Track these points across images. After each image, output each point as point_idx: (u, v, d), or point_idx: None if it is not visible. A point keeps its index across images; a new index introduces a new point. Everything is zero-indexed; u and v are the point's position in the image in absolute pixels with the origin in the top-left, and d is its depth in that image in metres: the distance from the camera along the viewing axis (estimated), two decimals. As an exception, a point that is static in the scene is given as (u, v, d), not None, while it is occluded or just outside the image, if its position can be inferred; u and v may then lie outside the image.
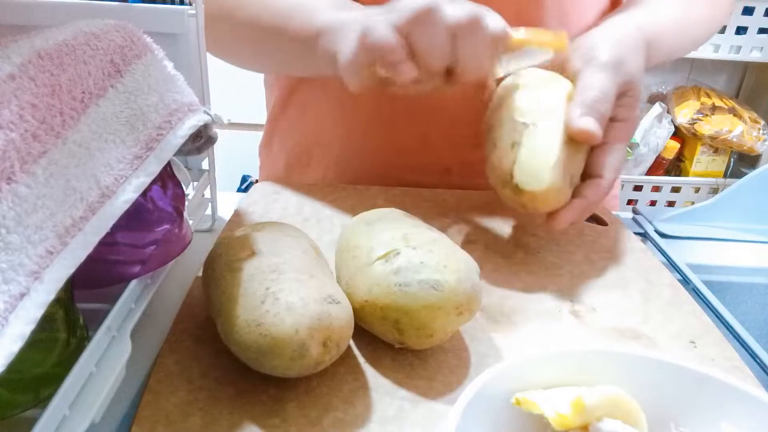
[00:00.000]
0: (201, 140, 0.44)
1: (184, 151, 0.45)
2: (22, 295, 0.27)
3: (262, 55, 0.63)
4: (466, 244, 0.54)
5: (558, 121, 0.47)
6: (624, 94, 0.49)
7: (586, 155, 0.49)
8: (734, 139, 1.66)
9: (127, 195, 0.33)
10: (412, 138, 0.66)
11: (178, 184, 0.42)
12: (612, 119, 0.49)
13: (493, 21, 0.44)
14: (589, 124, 0.46)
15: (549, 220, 0.48)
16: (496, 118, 0.50)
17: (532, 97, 0.49)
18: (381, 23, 0.44)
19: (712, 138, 1.68)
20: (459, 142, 0.64)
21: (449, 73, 0.45)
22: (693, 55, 1.56)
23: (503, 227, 0.58)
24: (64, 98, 0.33)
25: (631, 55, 0.50)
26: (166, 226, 0.39)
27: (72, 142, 0.32)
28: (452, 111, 0.63)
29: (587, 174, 0.49)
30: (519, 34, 0.46)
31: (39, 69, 0.33)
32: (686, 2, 0.64)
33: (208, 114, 0.41)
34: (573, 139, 0.47)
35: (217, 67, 0.58)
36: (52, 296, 0.28)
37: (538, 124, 0.47)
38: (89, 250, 0.30)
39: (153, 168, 0.36)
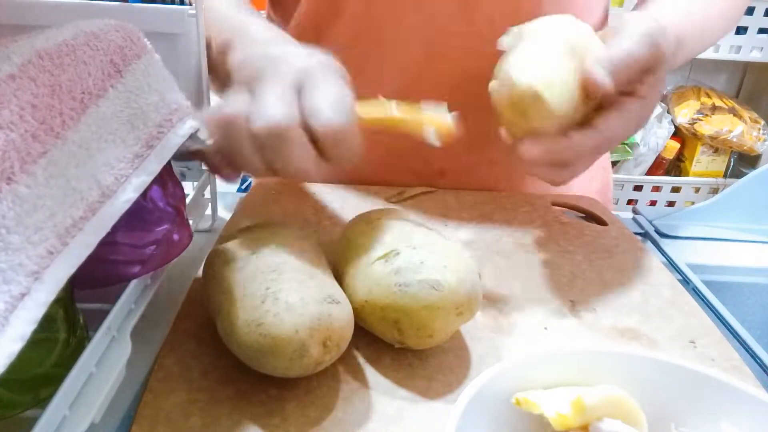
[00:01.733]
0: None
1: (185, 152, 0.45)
2: (23, 296, 0.27)
3: None
4: (466, 244, 0.54)
5: (558, 36, 0.44)
6: (651, 71, 0.45)
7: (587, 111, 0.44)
8: (734, 139, 1.66)
9: (128, 194, 0.33)
10: (404, 140, 0.66)
11: (178, 184, 0.42)
12: (631, 93, 0.45)
13: (321, 117, 0.38)
14: (601, 76, 0.42)
15: (524, 142, 0.43)
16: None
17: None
18: (208, 121, 0.41)
19: (712, 138, 1.68)
20: (452, 145, 0.64)
21: (276, 172, 0.41)
22: (693, 54, 1.56)
23: (503, 227, 0.58)
24: (64, 98, 0.33)
25: (663, 38, 0.46)
26: (166, 226, 0.39)
27: (72, 143, 0.32)
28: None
29: (584, 124, 0.44)
30: (368, 111, 0.41)
31: (39, 69, 0.33)
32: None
33: (197, 120, 0.41)
34: (579, 60, 0.43)
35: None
36: (53, 296, 0.28)
37: (530, 32, 0.44)
38: (90, 250, 0.30)
39: (154, 167, 0.36)
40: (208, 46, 0.51)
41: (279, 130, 0.38)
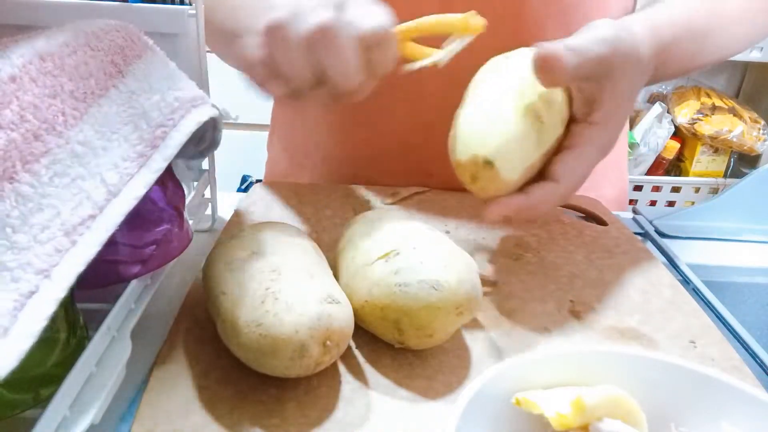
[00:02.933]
0: (204, 144, 0.44)
1: (188, 155, 0.45)
2: (32, 293, 0.27)
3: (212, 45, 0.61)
4: (466, 244, 0.54)
5: (513, 86, 0.42)
6: (603, 87, 0.43)
7: (549, 148, 0.43)
8: (734, 139, 1.66)
9: (135, 192, 0.34)
10: (392, 143, 0.67)
11: (177, 184, 0.42)
12: (583, 120, 0.44)
13: (365, 20, 0.39)
14: (555, 49, 0.40)
15: (486, 207, 0.43)
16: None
17: (497, 68, 0.45)
18: (247, 42, 0.41)
19: (712, 138, 1.68)
20: (438, 147, 0.65)
21: (322, 83, 0.41)
22: (693, 55, 1.56)
23: (503, 227, 0.58)
24: (66, 98, 0.33)
25: (632, 43, 0.44)
26: (166, 226, 0.39)
27: (75, 142, 0.32)
28: (429, 116, 0.63)
29: (543, 175, 0.44)
30: (410, 24, 0.42)
31: (40, 70, 0.33)
32: None
33: (216, 108, 0.41)
34: (533, 114, 0.41)
35: (217, 67, 0.58)
36: (63, 293, 0.28)
37: (487, 80, 0.43)
38: (99, 247, 0.30)
39: (158, 165, 0.36)
40: (217, 26, 0.52)
41: (330, 31, 0.38)
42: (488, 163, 0.40)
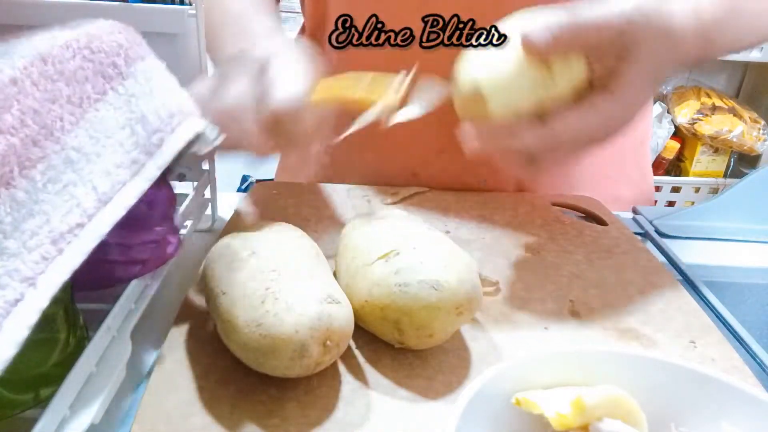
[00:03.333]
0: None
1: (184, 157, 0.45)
2: (17, 301, 0.27)
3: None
4: (466, 244, 0.54)
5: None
6: (621, 58, 0.41)
7: (551, 103, 0.42)
8: (734, 139, 1.67)
9: (125, 201, 0.33)
10: (381, 142, 0.67)
11: (168, 185, 0.42)
12: (599, 86, 0.42)
13: (274, 94, 0.42)
14: (536, 30, 0.39)
15: (469, 130, 0.43)
16: None
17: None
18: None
19: (712, 138, 1.68)
20: (422, 147, 0.65)
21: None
22: (693, 55, 1.56)
23: (503, 227, 0.58)
24: (64, 103, 0.33)
25: (658, 17, 0.41)
26: (161, 228, 0.39)
27: (70, 148, 0.32)
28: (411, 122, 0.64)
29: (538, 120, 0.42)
30: (337, 85, 0.43)
31: (41, 74, 0.33)
32: None
33: (204, 123, 0.41)
34: (544, 64, 0.40)
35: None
36: (47, 302, 0.27)
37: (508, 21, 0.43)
38: (85, 256, 0.30)
39: (152, 173, 0.36)
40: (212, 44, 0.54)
41: (228, 112, 0.42)
42: (478, 93, 0.40)
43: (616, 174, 0.71)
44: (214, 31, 0.56)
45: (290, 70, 0.43)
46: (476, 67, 0.41)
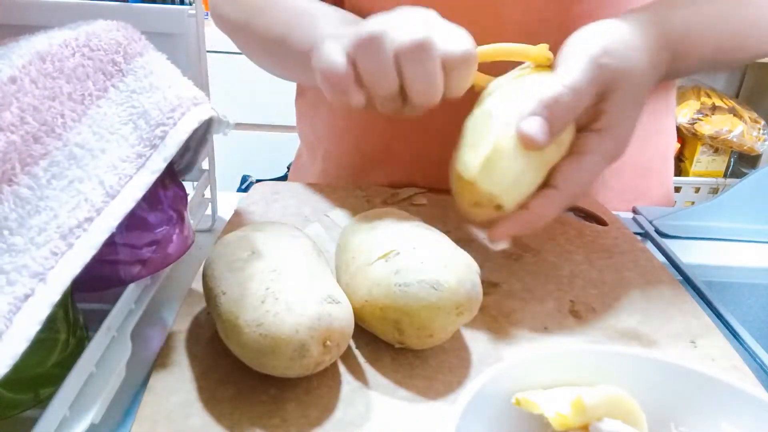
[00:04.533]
0: (182, 164, 0.45)
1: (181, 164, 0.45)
2: (27, 297, 0.27)
3: (274, 65, 0.64)
4: (466, 244, 0.54)
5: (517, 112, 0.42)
6: (605, 97, 0.43)
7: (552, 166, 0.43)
8: (734, 139, 1.67)
9: (133, 194, 0.34)
10: (378, 145, 0.68)
11: (179, 185, 0.42)
12: (588, 127, 0.43)
13: (452, 42, 0.41)
14: (532, 127, 0.40)
15: (490, 230, 0.44)
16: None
17: (506, 91, 0.44)
18: (332, 49, 0.42)
19: (712, 138, 1.68)
20: (422, 152, 0.65)
21: (403, 96, 0.43)
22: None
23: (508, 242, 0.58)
24: (64, 100, 0.33)
25: (623, 49, 0.43)
26: (166, 227, 0.39)
27: (74, 144, 0.32)
28: (410, 122, 0.64)
29: (545, 183, 0.43)
30: (488, 48, 0.44)
31: (40, 71, 0.33)
32: None
33: (215, 110, 0.41)
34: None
35: (217, 67, 0.59)
36: (57, 297, 0.28)
37: (494, 112, 0.43)
38: (95, 250, 0.30)
39: (157, 166, 0.36)
40: (261, 34, 0.56)
41: (424, 45, 0.40)
42: (497, 205, 0.42)
43: (641, 191, 0.71)
44: (280, 19, 0.56)
45: (456, 28, 0.42)
46: (486, 178, 0.42)
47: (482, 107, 0.45)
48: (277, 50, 0.58)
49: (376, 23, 0.41)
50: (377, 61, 0.41)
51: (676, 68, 0.50)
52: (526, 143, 0.41)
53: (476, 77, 0.44)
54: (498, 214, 0.43)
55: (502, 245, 0.45)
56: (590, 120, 0.43)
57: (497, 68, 0.46)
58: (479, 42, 0.43)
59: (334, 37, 0.43)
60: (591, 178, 0.43)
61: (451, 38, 0.41)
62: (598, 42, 0.43)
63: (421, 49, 0.40)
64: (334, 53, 0.42)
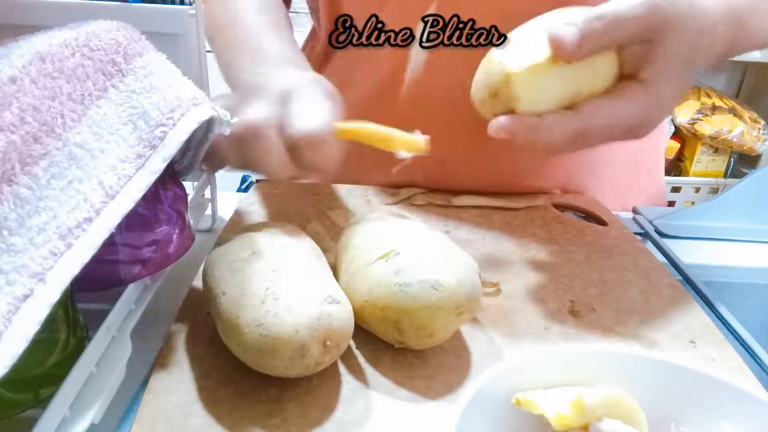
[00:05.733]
0: (184, 163, 0.45)
1: (182, 164, 0.45)
2: (26, 297, 0.27)
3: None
4: (466, 244, 0.54)
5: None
6: (653, 46, 0.40)
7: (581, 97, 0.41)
8: (734, 139, 1.67)
9: (132, 194, 0.33)
10: (382, 157, 0.67)
11: (179, 185, 0.42)
12: (632, 76, 0.41)
13: (300, 121, 0.42)
14: (566, 31, 0.38)
15: (492, 121, 0.41)
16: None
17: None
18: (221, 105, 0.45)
19: (712, 138, 1.68)
20: (455, 133, 0.64)
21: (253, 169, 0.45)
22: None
23: (503, 227, 0.58)
24: (64, 100, 0.33)
25: (686, 5, 0.40)
26: (166, 227, 0.39)
27: (73, 144, 0.32)
28: (410, 121, 0.64)
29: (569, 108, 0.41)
30: (353, 126, 0.43)
31: (40, 71, 0.33)
32: None
33: (215, 109, 0.41)
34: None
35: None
36: (56, 297, 0.28)
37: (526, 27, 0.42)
38: (94, 251, 0.30)
39: (157, 166, 0.36)
40: (219, 56, 0.57)
41: (253, 130, 0.42)
42: (509, 77, 0.40)
43: (631, 184, 0.71)
44: (230, 47, 0.56)
45: (313, 105, 0.43)
46: (508, 60, 0.40)
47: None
48: (224, 78, 0.60)
49: (232, 95, 0.45)
50: (216, 142, 0.43)
51: (743, 41, 0.47)
52: (555, 47, 0.39)
53: (365, 138, 0.44)
54: (512, 110, 0.41)
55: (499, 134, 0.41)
56: (635, 68, 0.41)
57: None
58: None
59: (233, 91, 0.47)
60: (616, 121, 0.40)
61: (302, 116, 0.42)
62: None
63: (250, 135, 0.42)
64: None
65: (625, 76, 0.42)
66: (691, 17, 0.41)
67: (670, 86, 0.41)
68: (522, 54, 0.41)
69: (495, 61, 0.41)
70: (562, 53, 0.39)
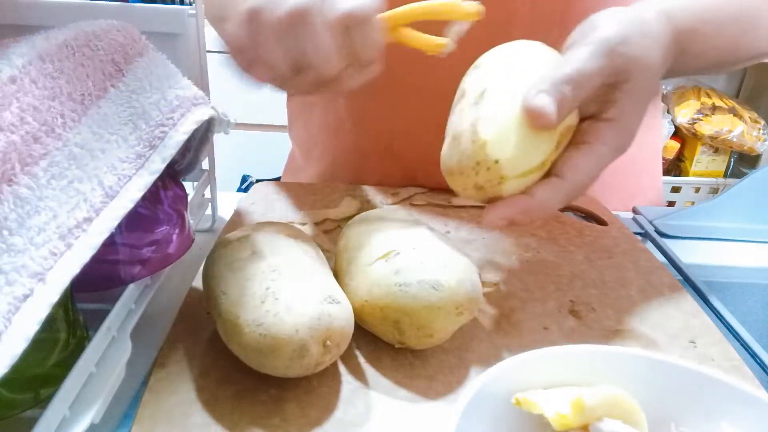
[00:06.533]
0: (183, 163, 0.45)
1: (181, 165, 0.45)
2: (26, 297, 0.27)
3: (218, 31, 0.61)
4: (466, 244, 0.54)
5: (514, 90, 0.39)
6: (616, 86, 0.40)
7: (555, 153, 0.40)
8: (734, 139, 1.66)
9: (132, 194, 0.33)
10: (377, 146, 0.68)
11: (179, 185, 0.42)
12: (596, 117, 0.41)
13: (344, 2, 0.38)
14: (543, 102, 0.37)
15: (486, 210, 0.40)
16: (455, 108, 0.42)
17: (505, 68, 0.41)
18: (229, 27, 0.40)
19: (712, 138, 1.68)
20: (422, 152, 0.64)
21: (303, 69, 0.40)
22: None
23: (503, 230, 0.58)
24: (64, 100, 0.33)
25: (638, 38, 0.41)
26: (166, 227, 0.39)
27: (74, 144, 0.32)
28: (413, 121, 0.64)
29: (549, 172, 0.41)
30: (399, 10, 0.40)
31: (40, 71, 0.33)
32: None
33: (215, 110, 0.41)
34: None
35: (217, 67, 0.58)
36: (56, 297, 0.28)
37: (497, 85, 0.40)
38: (94, 251, 0.30)
39: (156, 166, 0.36)
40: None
41: (300, 15, 0.37)
42: (495, 163, 0.38)
43: (631, 186, 0.71)
44: None
45: None
46: (483, 140, 0.38)
47: (483, 81, 0.41)
48: (214, 15, 0.56)
49: None
50: (263, 35, 0.39)
51: (683, 64, 0.48)
52: (535, 119, 0.38)
53: (408, 37, 0.41)
54: (495, 193, 0.40)
55: (495, 225, 0.40)
56: (599, 110, 0.41)
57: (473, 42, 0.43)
58: (488, 37, 0.42)
59: (233, 12, 0.41)
60: (598, 170, 0.41)
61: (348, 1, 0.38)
62: (613, 29, 0.40)
63: (302, 17, 0.37)
64: (230, 32, 0.40)
65: (585, 118, 0.42)
66: (650, 53, 0.41)
67: (633, 119, 0.42)
68: (520, 153, 0.38)
69: (490, 158, 0.38)
70: (541, 124, 0.38)
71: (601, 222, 0.60)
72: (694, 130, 1.69)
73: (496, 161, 0.38)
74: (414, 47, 0.41)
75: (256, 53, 0.40)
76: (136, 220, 0.37)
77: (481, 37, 0.45)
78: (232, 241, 0.41)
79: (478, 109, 0.39)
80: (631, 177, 0.70)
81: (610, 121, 0.41)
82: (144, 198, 0.34)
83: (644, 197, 0.72)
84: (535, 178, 0.40)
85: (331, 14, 0.38)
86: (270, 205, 0.60)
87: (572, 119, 0.41)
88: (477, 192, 0.40)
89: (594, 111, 0.41)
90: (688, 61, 0.48)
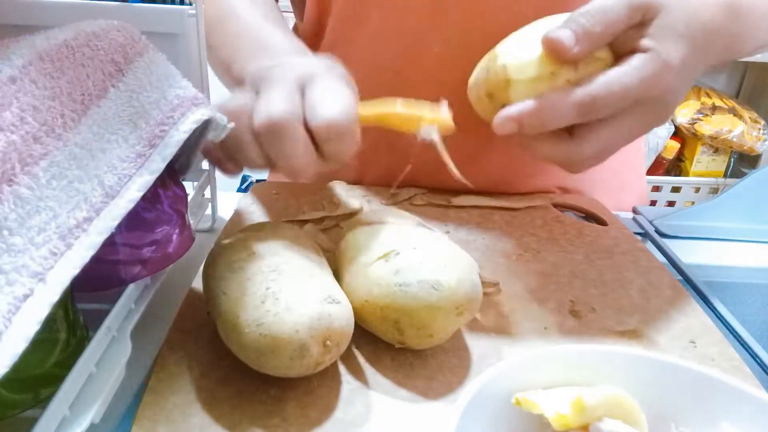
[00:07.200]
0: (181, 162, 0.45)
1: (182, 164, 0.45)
2: (26, 297, 0.27)
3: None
4: (466, 244, 0.54)
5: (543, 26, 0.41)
6: (644, 23, 0.39)
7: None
8: (734, 139, 1.67)
9: (132, 194, 0.33)
10: (377, 145, 0.67)
11: (179, 185, 0.42)
12: (633, 49, 0.40)
13: (319, 111, 0.39)
14: (560, 32, 0.38)
15: (496, 116, 0.41)
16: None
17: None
18: (231, 104, 0.43)
19: (712, 138, 1.68)
20: (422, 152, 0.64)
21: (274, 166, 0.42)
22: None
23: (503, 227, 0.58)
24: (64, 100, 0.33)
25: None
26: (166, 227, 0.39)
27: (74, 144, 0.32)
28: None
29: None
30: (373, 110, 0.42)
31: (40, 71, 0.33)
32: None
33: (213, 112, 0.41)
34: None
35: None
36: (56, 297, 0.28)
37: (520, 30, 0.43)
38: (94, 251, 0.30)
39: (157, 166, 0.36)
40: (215, 52, 0.54)
41: (278, 125, 0.39)
42: (503, 67, 0.41)
43: (621, 183, 0.71)
44: (228, 42, 0.55)
45: (333, 91, 0.41)
46: (511, 65, 0.41)
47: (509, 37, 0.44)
48: (222, 74, 0.57)
49: (238, 97, 0.42)
50: (238, 141, 0.41)
51: (738, 37, 0.46)
52: (552, 49, 0.39)
53: (396, 118, 0.43)
54: (504, 99, 0.41)
55: (505, 129, 0.41)
56: (631, 47, 0.40)
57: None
58: (492, 41, 0.43)
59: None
60: (618, 94, 0.39)
61: (322, 105, 0.40)
62: None
63: (279, 128, 0.39)
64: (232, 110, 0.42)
65: (619, 55, 0.41)
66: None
67: (674, 54, 0.40)
68: (526, 59, 0.41)
69: (499, 63, 0.42)
70: (559, 55, 0.39)
71: (601, 222, 0.60)
72: (694, 130, 1.69)
73: (504, 65, 0.41)
74: (387, 126, 0.43)
75: (229, 150, 0.43)
76: (136, 220, 0.37)
77: (485, 41, 0.45)
78: (232, 241, 0.41)
79: (501, 42, 0.43)
80: (619, 173, 0.71)
81: (641, 50, 0.39)
82: (144, 198, 0.34)
83: (632, 192, 0.72)
84: (544, 89, 0.40)
85: (310, 122, 0.40)
86: (270, 205, 0.60)
87: (602, 53, 0.41)
88: (489, 101, 0.43)
89: (628, 49, 0.40)
90: (746, 35, 0.46)
